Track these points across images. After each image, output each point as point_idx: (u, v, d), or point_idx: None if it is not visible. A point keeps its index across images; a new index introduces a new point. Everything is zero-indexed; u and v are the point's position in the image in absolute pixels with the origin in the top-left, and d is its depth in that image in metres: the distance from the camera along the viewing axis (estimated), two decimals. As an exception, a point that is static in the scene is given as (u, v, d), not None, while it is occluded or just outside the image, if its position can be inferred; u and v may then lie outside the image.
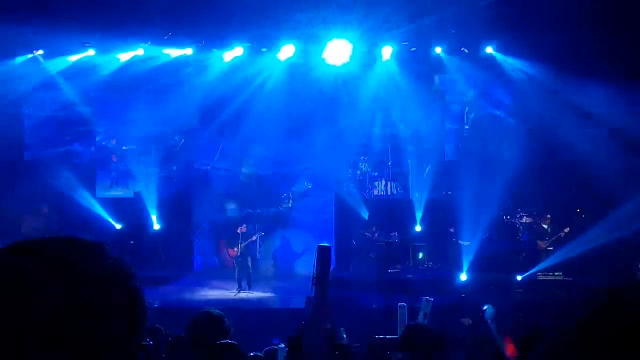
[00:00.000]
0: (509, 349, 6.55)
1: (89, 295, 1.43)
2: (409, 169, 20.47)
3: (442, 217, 19.35)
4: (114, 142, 20.50)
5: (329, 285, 6.52)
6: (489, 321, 7.87)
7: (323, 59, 18.83)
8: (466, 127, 20.49)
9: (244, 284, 17.51)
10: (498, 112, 20.12)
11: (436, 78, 20.32)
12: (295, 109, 19.23)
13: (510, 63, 19.17)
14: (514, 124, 19.89)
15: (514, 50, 18.74)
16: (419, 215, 19.57)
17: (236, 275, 17.62)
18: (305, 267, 18.12)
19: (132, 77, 19.17)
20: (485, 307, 8.69)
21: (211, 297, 16.69)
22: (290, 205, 20.30)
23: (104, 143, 20.49)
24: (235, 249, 17.66)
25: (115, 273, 1.51)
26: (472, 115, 20.46)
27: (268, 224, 19.99)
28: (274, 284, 18.40)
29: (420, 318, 8.84)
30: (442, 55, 19.28)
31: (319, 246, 5.91)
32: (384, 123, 20.41)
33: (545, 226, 18.58)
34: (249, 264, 17.80)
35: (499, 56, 19.14)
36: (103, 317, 1.45)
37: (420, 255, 19.30)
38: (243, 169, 20.34)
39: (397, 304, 12.67)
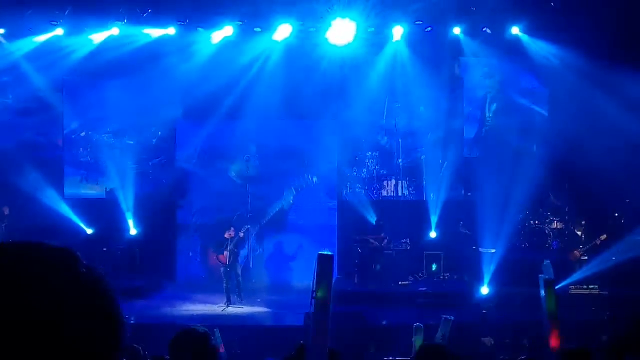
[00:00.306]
0: (553, 340, 6.59)
1: (59, 311, 1.40)
2: (422, 166, 20.45)
3: (460, 221, 19.32)
4: (83, 133, 20.47)
5: (330, 300, 6.50)
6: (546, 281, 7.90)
7: (325, 40, 18.81)
8: (488, 118, 20.45)
9: (233, 296, 17.48)
10: (525, 102, 20.09)
11: (454, 62, 20.27)
12: (292, 98, 19.20)
13: (539, 47, 19.12)
14: (543, 115, 19.85)
15: (544, 32, 18.70)
16: (434, 219, 19.54)
17: (224, 287, 17.58)
18: (303, 277, 18.08)
19: (106, 60, 19.12)
20: (545, 262, 8.72)
21: (196, 312, 16.65)
22: (291, 201, 20.26)
23: (73, 136, 20.47)
24: (225, 253, 17.63)
25: (90, 285, 1.47)
26: (494, 106, 20.43)
27: (260, 227, 20.02)
28: (267, 296, 18.36)
29: (438, 338, 8.81)
30: (461, 36, 19.25)
31: (320, 255, 5.88)
32: (393, 114, 20.37)
33: (578, 233, 18.54)
34: (238, 271, 17.78)
35: (526, 38, 19.10)
36: (75, 337, 1.41)
37: (434, 266, 19.26)
38: (232, 166, 20.31)
39: (408, 320, 12.62)
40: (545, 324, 7.68)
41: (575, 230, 18.65)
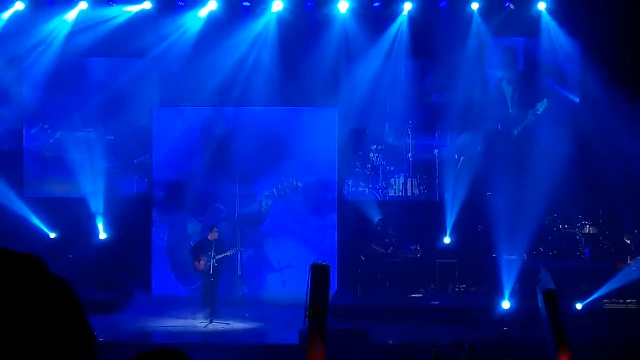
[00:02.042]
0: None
1: (23, 324, 1.39)
2: (436, 161, 20.41)
3: (478, 225, 19.28)
4: (46, 126, 20.38)
5: (327, 317, 6.48)
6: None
7: (323, 17, 18.94)
8: (509, 106, 20.37)
9: (207, 310, 17.27)
10: (554, 89, 20.02)
11: (471, 43, 20.17)
12: (285, 83, 19.26)
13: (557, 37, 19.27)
14: (573, 101, 19.80)
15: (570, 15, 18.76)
16: (449, 222, 19.49)
17: (202, 298, 17.57)
18: (296, 287, 18.17)
19: (77, 41, 19.25)
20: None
21: (174, 329, 16.64)
22: (265, 209, 20.13)
23: (35, 130, 20.39)
24: (202, 261, 17.50)
25: (57, 296, 1.46)
26: (513, 90, 20.31)
27: (242, 226, 19.94)
28: (256, 310, 18.25)
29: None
30: (479, 12, 19.26)
31: (313, 266, 5.74)
32: (402, 101, 20.33)
33: (628, 241, 18.39)
34: (218, 281, 17.60)
35: (548, 21, 19.20)
36: (42, 352, 1.40)
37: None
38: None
39: (418, 338, 12.60)
40: (550, 343, 7.67)
41: (625, 239, 18.50)
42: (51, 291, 1.48)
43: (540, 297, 9.97)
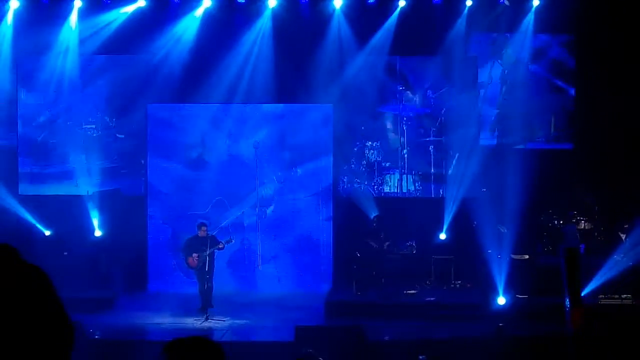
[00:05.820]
0: (575, 317, 6.61)
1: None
2: (431, 158, 20.41)
3: (474, 221, 19.25)
4: (42, 118, 20.35)
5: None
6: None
7: (318, 12, 19.02)
8: (502, 99, 20.32)
9: (205, 307, 17.33)
10: (547, 76, 20.02)
11: (465, 39, 20.15)
12: (281, 80, 19.29)
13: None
14: (568, 93, 19.81)
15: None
16: (446, 219, 19.48)
17: (199, 295, 17.61)
18: (291, 284, 18.29)
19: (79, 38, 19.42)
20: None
21: (170, 326, 16.61)
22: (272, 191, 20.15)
23: (33, 124, 20.37)
24: (195, 257, 17.53)
25: (31, 283, 1.44)
26: (506, 84, 20.30)
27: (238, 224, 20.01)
28: (248, 308, 18.22)
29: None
30: (473, 8, 19.29)
31: None
32: (396, 97, 20.35)
33: (622, 236, 18.38)
34: (212, 279, 17.66)
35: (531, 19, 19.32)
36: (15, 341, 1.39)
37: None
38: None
39: (414, 335, 12.56)
40: (566, 300, 7.63)
41: (619, 233, 18.47)
42: (25, 278, 1.48)
43: (561, 253, 9.80)
